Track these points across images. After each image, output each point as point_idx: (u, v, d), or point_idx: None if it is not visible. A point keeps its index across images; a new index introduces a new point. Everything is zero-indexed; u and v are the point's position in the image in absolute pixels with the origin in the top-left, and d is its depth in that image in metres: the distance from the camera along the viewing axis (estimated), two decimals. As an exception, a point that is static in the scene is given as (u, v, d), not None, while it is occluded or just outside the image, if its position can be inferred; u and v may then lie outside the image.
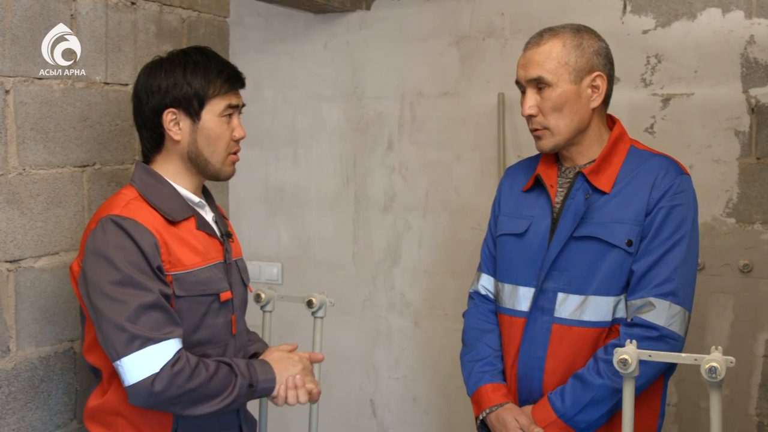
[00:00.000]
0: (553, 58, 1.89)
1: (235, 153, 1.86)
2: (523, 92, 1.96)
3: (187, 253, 1.75)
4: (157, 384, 1.60)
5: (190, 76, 1.77)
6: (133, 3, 2.13)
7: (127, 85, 2.11)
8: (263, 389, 1.77)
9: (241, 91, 1.88)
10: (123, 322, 1.60)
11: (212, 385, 1.67)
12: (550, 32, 1.93)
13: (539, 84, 1.90)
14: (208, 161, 1.81)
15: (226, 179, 1.88)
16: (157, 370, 1.60)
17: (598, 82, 1.92)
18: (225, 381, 1.69)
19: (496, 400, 1.97)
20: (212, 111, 1.79)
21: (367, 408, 3.24)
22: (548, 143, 1.94)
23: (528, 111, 1.92)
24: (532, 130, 1.96)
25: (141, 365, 1.60)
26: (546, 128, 1.92)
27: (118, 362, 1.62)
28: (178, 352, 1.64)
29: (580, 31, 1.93)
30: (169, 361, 1.62)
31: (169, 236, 1.72)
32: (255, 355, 1.94)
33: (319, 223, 3.29)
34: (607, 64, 1.94)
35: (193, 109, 1.78)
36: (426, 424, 3.14)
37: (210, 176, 1.85)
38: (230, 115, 1.82)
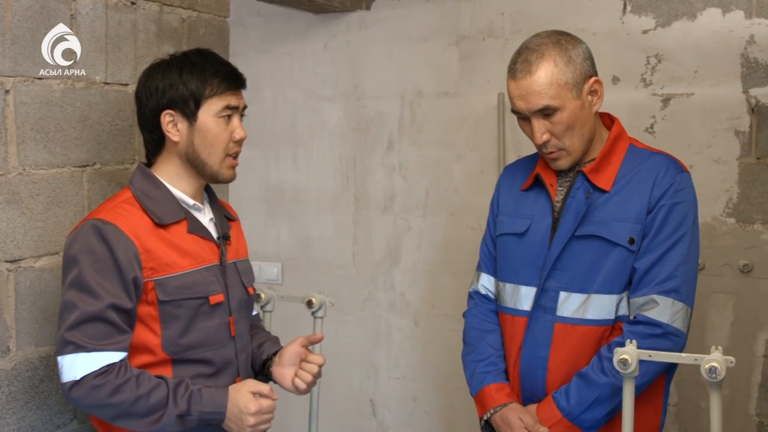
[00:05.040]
0: (553, 83, 1.84)
1: (234, 156, 1.84)
2: (523, 119, 1.92)
3: (174, 256, 1.75)
4: (75, 391, 1.64)
5: (186, 76, 1.77)
6: (133, 3, 2.13)
7: (127, 85, 2.11)
8: (206, 419, 1.69)
9: (242, 91, 1.87)
10: (65, 324, 1.64)
11: (138, 406, 1.64)
12: (535, 55, 1.85)
13: (546, 111, 1.86)
14: (205, 163, 1.80)
15: (226, 182, 1.87)
16: (77, 377, 1.63)
17: (595, 86, 1.91)
18: (155, 405, 1.65)
19: (500, 400, 1.97)
20: (209, 111, 1.78)
21: (367, 408, 3.24)
22: (566, 162, 1.93)
23: (542, 139, 1.88)
24: (547, 153, 1.93)
25: (68, 369, 1.64)
26: (561, 149, 1.91)
27: (57, 359, 1.66)
28: (109, 365, 1.64)
29: (561, 42, 1.88)
30: (93, 372, 1.62)
31: (155, 240, 1.72)
32: (268, 360, 1.94)
33: (319, 223, 3.29)
34: (593, 64, 1.93)
35: (189, 109, 1.77)
36: (426, 424, 3.14)
37: (208, 178, 1.84)
38: (229, 116, 1.81)
